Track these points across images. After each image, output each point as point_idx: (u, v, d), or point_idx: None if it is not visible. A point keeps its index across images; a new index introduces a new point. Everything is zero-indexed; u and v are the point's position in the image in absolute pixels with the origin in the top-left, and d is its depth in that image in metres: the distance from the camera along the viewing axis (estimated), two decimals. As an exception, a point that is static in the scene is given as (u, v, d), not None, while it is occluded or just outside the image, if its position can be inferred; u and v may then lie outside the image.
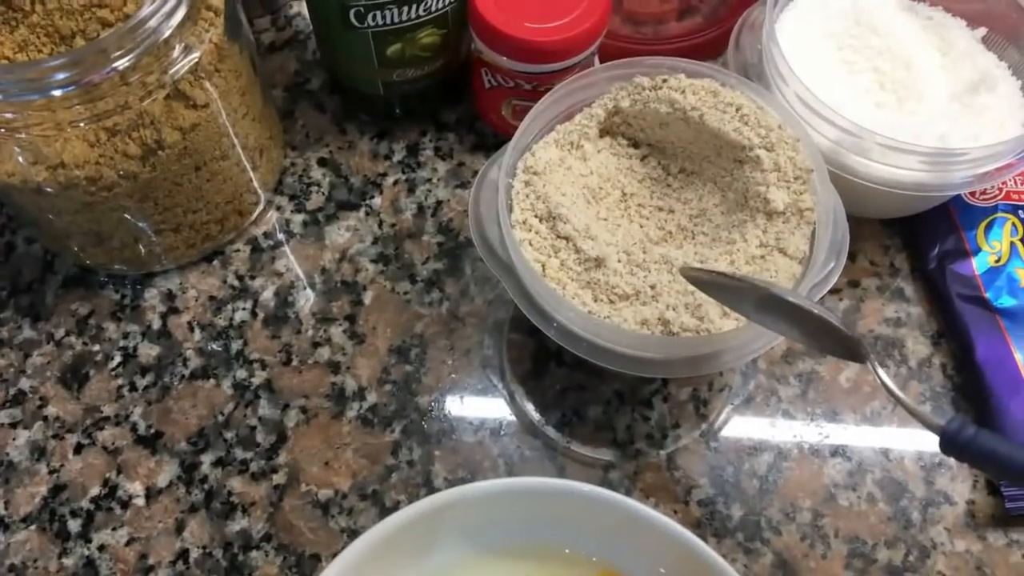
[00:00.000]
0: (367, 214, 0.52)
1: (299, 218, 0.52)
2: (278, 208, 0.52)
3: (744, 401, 0.47)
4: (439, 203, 0.52)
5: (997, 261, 0.48)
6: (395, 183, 0.53)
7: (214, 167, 0.45)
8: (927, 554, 0.44)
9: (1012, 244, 0.49)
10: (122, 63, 0.39)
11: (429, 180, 0.53)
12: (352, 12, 0.45)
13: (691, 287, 0.41)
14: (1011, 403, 0.45)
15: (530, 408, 0.47)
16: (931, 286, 0.50)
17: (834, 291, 0.50)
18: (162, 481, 0.45)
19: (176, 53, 0.41)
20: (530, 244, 0.42)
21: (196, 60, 0.41)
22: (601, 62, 0.52)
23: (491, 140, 0.54)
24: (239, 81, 0.45)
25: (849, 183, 0.46)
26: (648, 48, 0.56)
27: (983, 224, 0.49)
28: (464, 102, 0.55)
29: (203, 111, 0.42)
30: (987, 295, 0.48)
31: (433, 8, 0.46)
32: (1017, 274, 0.48)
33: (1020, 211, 0.50)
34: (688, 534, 0.37)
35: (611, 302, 0.41)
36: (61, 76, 0.38)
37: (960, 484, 0.45)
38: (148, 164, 0.42)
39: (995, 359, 0.46)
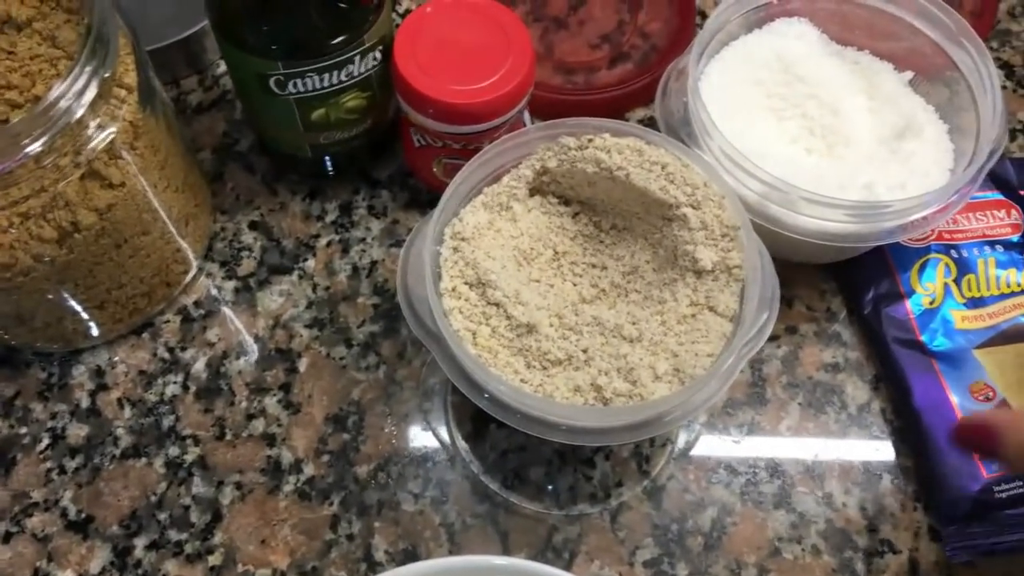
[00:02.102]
0: (300, 277, 0.51)
1: (230, 285, 0.51)
2: (208, 275, 0.51)
3: (686, 455, 0.47)
4: (374, 263, 0.52)
5: (931, 303, 0.49)
6: (328, 244, 0.52)
7: (136, 243, 0.44)
8: (874, 605, 0.44)
9: (946, 285, 0.49)
10: (34, 147, 0.38)
11: (363, 240, 0.52)
12: (272, 80, 0.45)
13: (623, 350, 0.41)
14: (948, 447, 0.45)
15: (472, 472, 0.46)
16: (868, 330, 0.50)
17: (772, 338, 0.50)
18: (94, 568, 0.43)
19: (90, 132, 0.40)
20: (460, 312, 0.41)
21: (111, 139, 0.40)
22: (532, 113, 0.51)
23: (425, 196, 0.54)
24: (157, 155, 0.44)
25: (778, 234, 0.46)
26: (580, 98, 0.56)
27: (916, 265, 0.50)
28: (396, 159, 0.54)
29: (120, 190, 0.41)
30: (922, 338, 0.48)
31: (356, 73, 0.46)
32: (951, 315, 0.48)
33: (952, 251, 0.50)
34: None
35: (543, 368, 0.41)
36: (-29, 165, 0.37)
37: (903, 532, 0.45)
38: (65, 247, 0.41)
39: (931, 403, 0.46)
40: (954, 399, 0.46)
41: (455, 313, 0.41)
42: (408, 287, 0.42)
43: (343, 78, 0.46)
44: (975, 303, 0.49)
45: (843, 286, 0.51)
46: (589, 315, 0.43)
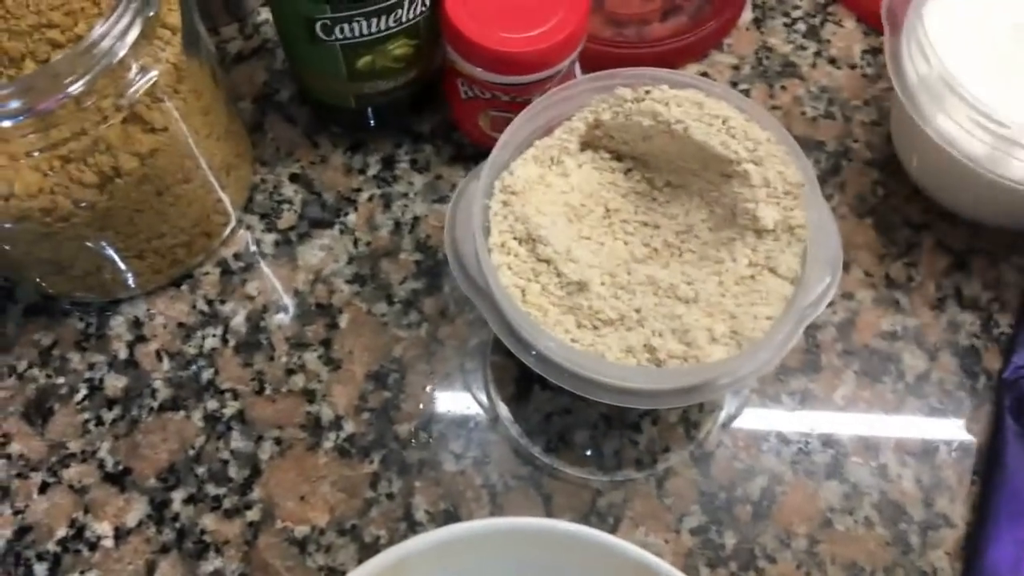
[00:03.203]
0: (341, 232, 0.50)
1: (270, 238, 0.50)
2: (248, 228, 0.50)
3: (736, 422, 0.46)
4: (416, 219, 0.50)
5: None
6: (370, 199, 0.51)
7: (177, 191, 0.43)
8: (924, 580, 0.42)
9: None
10: (76, 87, 0.37)
11: (405, 195, 0.51)
12: (319, 25, 0.43)
13: (678, 311, 0.39)
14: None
15: (514, 434, 0.45)
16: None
17: (828, 303, 0.48)
18: (131, 521, 0.43)
19: (132, 75, 0.39)
20: (509, 268, 0.40)
21: (153, 81, 0.39)
22: (582, 66, 0.50)
23: (469, 151, 0.52)
24: (200, 100, 0.42)
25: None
26: (631, 51, 0.54)
27: None
28: (440, 112, 0.53)
29: (162, 135, 0.40)
30: None
31: (404, 19, 0.44)
32: None
33: None
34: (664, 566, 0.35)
35: (595, 328, 0.39)
36: (13, 105, 0.36)
37: (960, 506, 0.44)
38: (105, 192, 0.40)
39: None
40: None
41: (503, 269, 0.40)
42: (456, 241, 0.41)
43: (391, 24, 0.44)
44: None
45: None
46: (642, 274, 0.41)
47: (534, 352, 0.38)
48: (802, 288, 0.39)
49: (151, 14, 0.39)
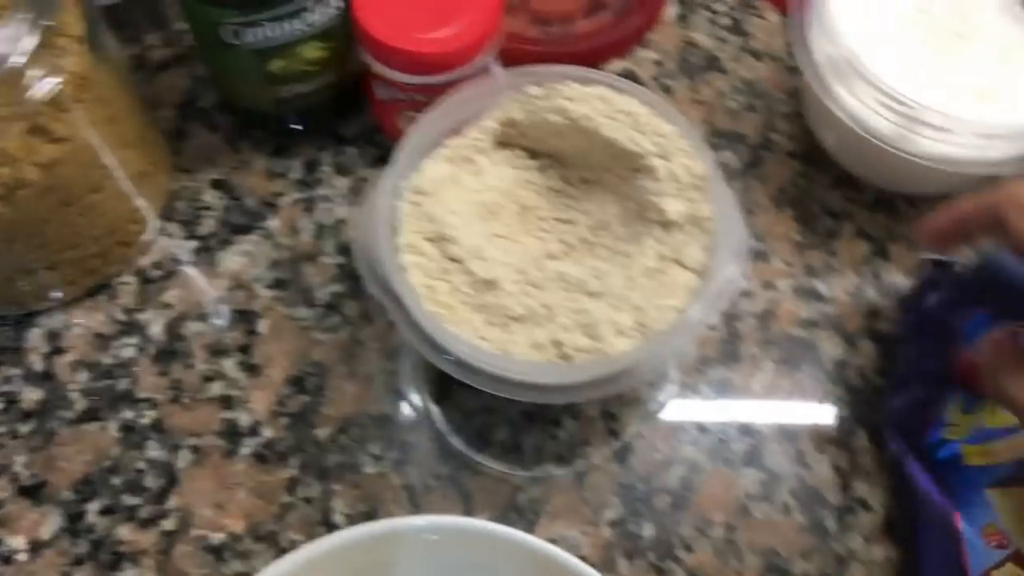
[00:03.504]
0: (263, 237, 0.50)
1: (190, 245, 0.49)
2: (168, 235, 0.49)
3: (655, 414, 0.46)
4: (339, 222, 0.50)
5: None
6: (292, 203, 0.51)
7: (87, 201, 0.43)
8: (844, 564, 0.43)
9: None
10: (-29, 97, 0.37)
11: (328, 198, 0.51)
12: (228, 30, 0.43)
13: (586, 305, 0.39)
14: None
15: (435, 433, 0.45)
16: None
17: (747, 294, 0.48)
18: (46, 533, 0.42)
19: (30, 83, 0.38)
20: (418, 268, 0.40)
21: (55, 91, 0.39)
22: (507, 65, 0.50)
23: (393, 153, 0.52)
24: (107, 109, 0.42)
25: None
26: (556, 49, 0.54)
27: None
28: (364, 115, 0.53)
29: (66, 145, 0.40)
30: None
31: (313, 22, 0.44)
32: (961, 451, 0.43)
33: None
34: (582, 567, 0.35)
35: (504, 325, 0.39)
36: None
37: (878, 490, 0.44)
38: (9, 204, 0.39)
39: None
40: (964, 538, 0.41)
41: (413, 269, 0.40)
42: (364, 242, 0.41)
43: (301, 27, 0.44)
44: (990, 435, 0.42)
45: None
46: (553, 270, 0.41)
47: (448, 356, 0.38)
48: (708, 279, 0.39)
49: (49, 23, 0.39)
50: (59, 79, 0.39)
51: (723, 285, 0.39)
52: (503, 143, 0.45)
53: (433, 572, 0.37)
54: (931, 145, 0.44)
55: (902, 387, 0.45)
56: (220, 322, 0.47)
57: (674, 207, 0.40)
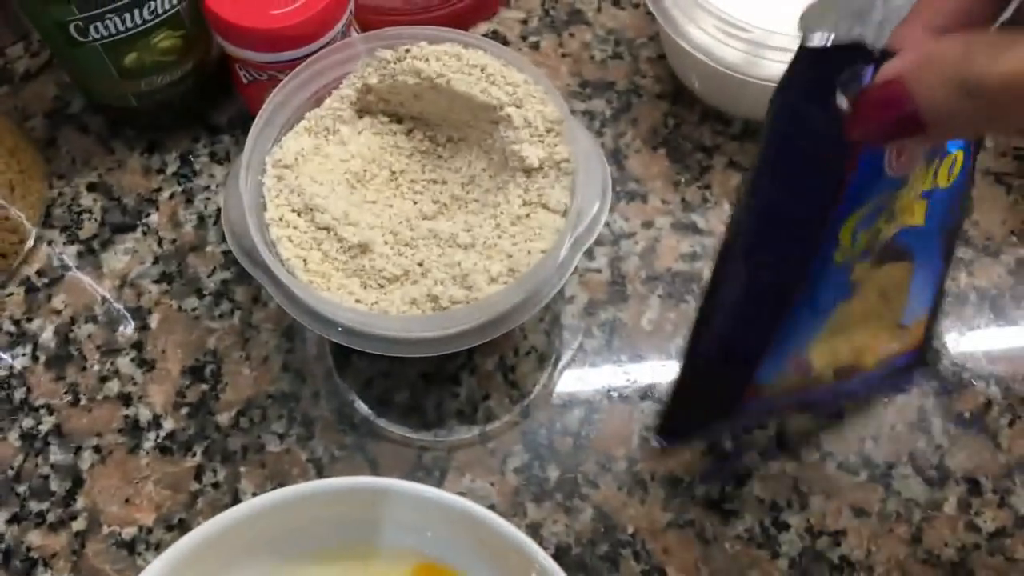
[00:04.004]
0: (144, 233, 0.50)
1: (73, 249, 0.49)
2: (49, 243, 0.49)
3: (552, 361, 0.47)
4: (220, 210, 0.50)
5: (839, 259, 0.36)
6: (171, 196, 0.51)
7: (-48, 213, 0.43)
8: (743, 481, 0.44)
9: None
10: None
11: (207, 188, 0.51)
12: (72, 27, 0.43)
13: (458, 257, 0.40)
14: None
15: (336, 405, 0.46)
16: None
17: (629, 235, 0.50)
18: (-46, 549, 0.42)
19: None
20: (289, 240, 0.40)
21: None
22: (367, 38, 0.50)
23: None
24: (-42, 119, 0.42)
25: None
26: (420, 19, 0.55)
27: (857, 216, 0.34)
28: (234, 101, 0.53)
29: (-83, 158, 0.40)
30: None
31: (159, 10, 0.44)
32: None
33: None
34: (480, 510, 0.36)
35: (380, 287, 0.40)
36: None
37: (769, 406, 0.46)
38: None
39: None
40: None
41: (284, 241, 0.40)
42: (232, 223, 0.41)
43: (147, 16, 0.44)
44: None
45: None
46: (425, 228, 0.42)
47: (339, 328, 0.39)
48: (573, 218, 0.40)
49: None
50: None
51: (587, 222, 0.41)
52: (364, 110, 0.45)
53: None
54: (780, 68, 0.45)
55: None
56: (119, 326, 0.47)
57: (533, 152, 0.41)
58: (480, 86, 0.42)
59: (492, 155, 0.44)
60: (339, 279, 0.40)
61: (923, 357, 0.45)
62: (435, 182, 0.45)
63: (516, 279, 0.39)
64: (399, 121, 0.46)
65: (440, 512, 0.37)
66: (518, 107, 0.42)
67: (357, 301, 0.39)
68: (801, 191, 0.33)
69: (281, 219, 0.41)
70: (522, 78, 0.42)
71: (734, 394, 0.39)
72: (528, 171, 0.41)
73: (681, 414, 0.41)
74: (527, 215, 0.41)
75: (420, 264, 0.40)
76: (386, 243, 0.41)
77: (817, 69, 0.30)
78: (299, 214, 0.41)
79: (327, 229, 0.40)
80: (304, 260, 0.40)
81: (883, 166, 0.32)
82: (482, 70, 0.42)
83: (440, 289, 0.39)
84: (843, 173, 0.31)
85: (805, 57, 0.30)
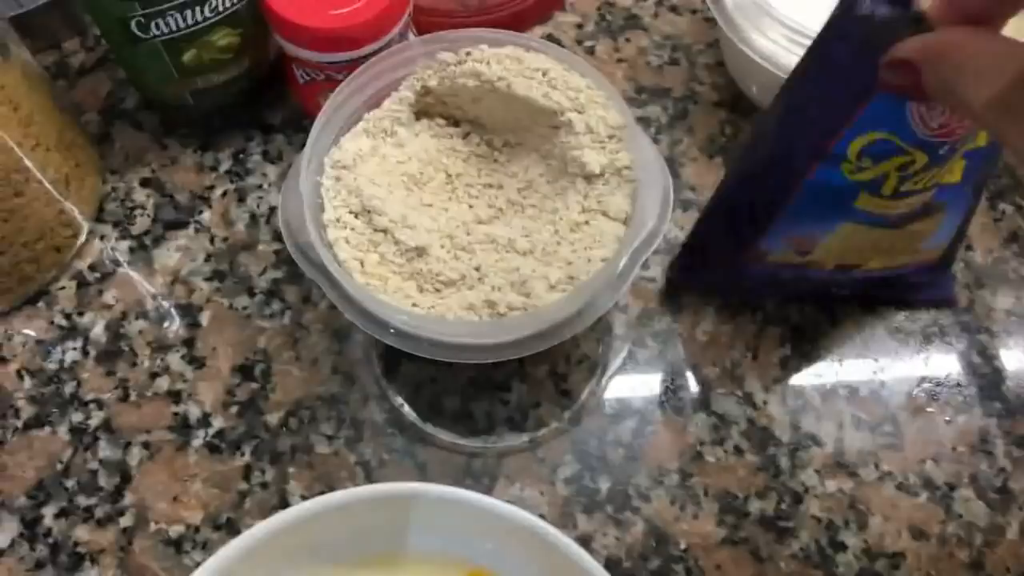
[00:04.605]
0: (197, 231, 0.49)
1: (125, 244, 0.49)
2: (101, 237, 0.49)
3: (603, 369, 0.46)
4: (272, 209, 0.50)
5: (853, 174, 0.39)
6: (224, 194, 0.50)
7: (9, 205, 0.43)
8: (799, 499, 0.43)
9: (884, 175, 0.39)
10: None
11: (260, 186, 0.51)
12: (133, 23, 0.43)
13: (516, 263, 0.40)
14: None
15: (385, 409, 0.45)
16: None
17: (683, 243, 0.49)
18: (3, 541, 0.42)
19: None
20: (346, 242, 0.40)
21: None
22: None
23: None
24: (18, 112, 0.42)
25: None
26: (476, 21, 0.54)
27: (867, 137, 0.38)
28: (289, 101, 0.53)
29: (-23, 149, 0.40)
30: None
31: (220, 8, 0.44)
32: (860, 196, 0.40)
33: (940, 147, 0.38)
34: (535, 521, 0.36)
35: (436, 291, 0.40)
36: None
37: (826, 423, 0.45)
38: (-73, 213, 0.39)
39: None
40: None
41: (341, 243, 0.40)
42: (291, 223, 0.41)
43: (208, 14, 0.44)
44: (903, 195, 0.40)
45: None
46: (482, 233, 0.41)
47: (392, 330, 0.38)
48: (634, 227, 0.40)
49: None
50: (-35, 85, 0.39)
51: (649, 231, 0.40)
52: (423, 113, 0.45)
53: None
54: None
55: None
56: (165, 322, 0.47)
57: (594, 159, 0.40)
58: (541, 90, 0.42)
59: (550, 160, 0.43)
60: (396, 282, 0.40)
61: (947, 265, 0.47)
62: (491, 186, 0.44)
63: (576, 287, 0.38)
64: (456, 124, 0.45)
65: (493, 521, 0.37)
66: (580, 112, 0.41)
67: (414, 305, 0.39)
68: (828, 96, 0.38)
69: (339, 220, 0.40)
70: (584, 83, 0.42)
71: (737, 248, 0.44)
72: (588, 177, 0.41)
73: (695, 256, 0.47)
74: (586, 222, 0.40)
75: (477, 269, 0.40)
76: (443, 247, 0.41)
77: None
78: (357, 215, 0.40)
79: (384, 231, 0.40)
80: (361, 262, 0.40)
81: (904, 106, 0.36)
82: (544, 74, 0.42)
83: (498, 295, 0.39)
84: (869, 94, 0.36)
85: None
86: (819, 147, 0.39)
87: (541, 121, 0.43)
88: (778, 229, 0.42)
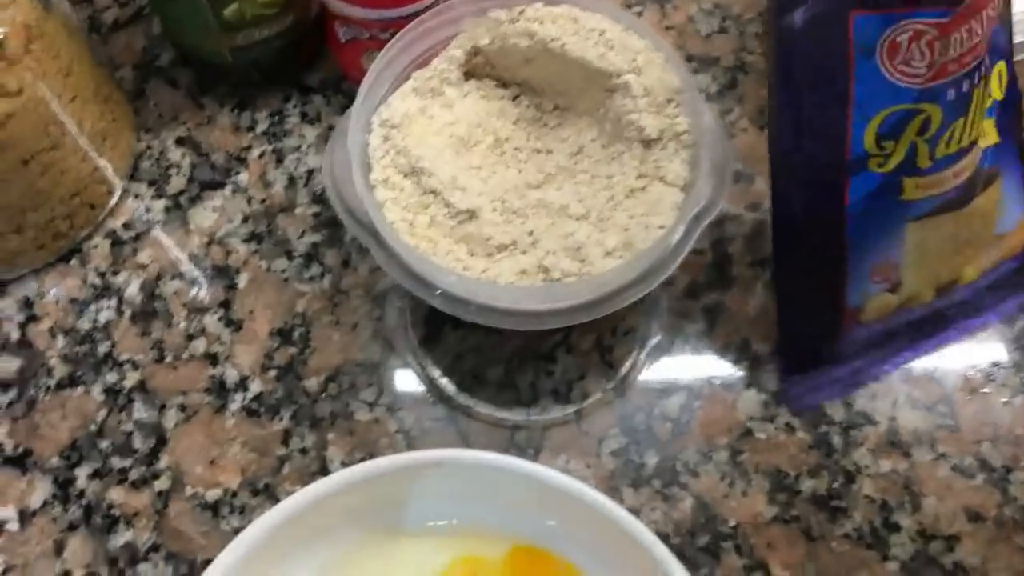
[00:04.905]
0: (234, 191, 0.48)
1: (160, 204, 0.48)
2: (136, 196, 0.48)
3: (650, 342, 0.45)
4: (311, 172, 0.49)
5: (882, 167, 0.38)
6: (261, 155, 0.49)
7: (46, 159, 0.41)
8: (852, 479, 0.42)
9: (912, 144, 0.38)
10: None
11: (298, 148, 0.49)
12: (178, -26, 0.42)
13: (570, 228, 0.38)
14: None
15: (427, 377, 0.44)
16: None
17: (734, 216, 0.48)
18: (35, 502, 0.41)
19: (-25, 36, 0.37)
20: (394, 203, 0.39)
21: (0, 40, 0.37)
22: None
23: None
24: (58, 61, 0.41)
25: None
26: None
27: (880, 117, 0.38)
28: (328, 62, 0.51)
29: (17, 98, 0.38)
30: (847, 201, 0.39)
31: (266, -40, 0.43)
32: (903, 184, 0.39)
33: (945, 92, 0.37)
34: (589, 491, 0.35)
35: (488, 255, 0.38)
36: None
37: (880, 402, 0.43)
38: (-36, 164, 0.38)
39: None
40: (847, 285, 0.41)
41: (389, 204, 0.39)
42: (337, 183, 0.39)
43: (253, -34, 0.42)
44: (944, 163, 0.39)
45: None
46: (534, 198, 0.40)
47: (439, 291, 0.37)
48: (692, 194, 0.38)
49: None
50: (3, 28, 0.38)
51: (708, 199, 0.39)
52: (471, 73, 0.43)
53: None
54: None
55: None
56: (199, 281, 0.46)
57: (652, 123, 0.39)
58: (597, 51, 0.40)
59: (604, 124, 0.42)
60: (446, 245, 0.38)
61: None
62: (539, 151, 0.43)
63: (633, 254, 0.37)
64: (504, 87, 0.44)
65: (543, 491, 0.36)
66: (637, 74, 0.40)
67: (464, 268, 0.38)
68: (817, 101, 0.37)
69: (387, 180, 0.39)
70: (643, 44, 0.40)
71: (831, 313, 0.41)
72: (646, 142, 0.39)
73: (792, 359, 0.43)
74: (643, 188, 0.39)
75: (530, 233, 0.39)
76: (494, 210, 0.39)
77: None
78: (405, 176, 0.39)
79: (434, 193, 0.39)
80: (411, 224, 0.38)
81: (883, 74, 0.36)
82: (600, 34, 0.40)
83: (552, 260, 0.37)
84: (847, 81, 0.36)
85: None
86: (837, 162, 0.38)
87: (595, 84, 0.41)
88: (855, 268, 0.40)
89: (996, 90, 0.40)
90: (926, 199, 0.39)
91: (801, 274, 0.42)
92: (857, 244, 0.40)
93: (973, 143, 0.39)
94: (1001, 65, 0.41)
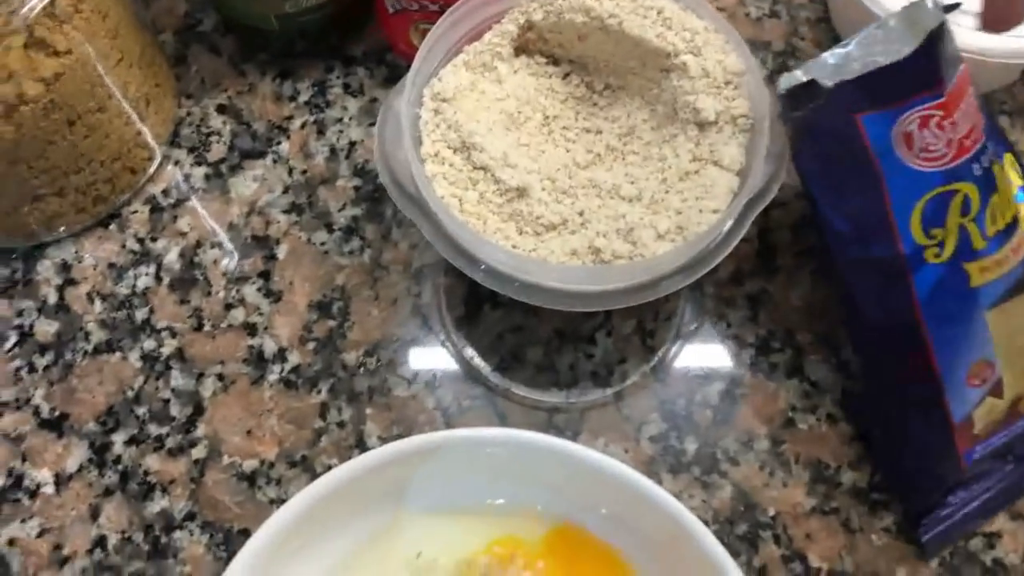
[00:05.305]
0: (275, 161, 0.48)
1: (200, 171, 0.47)
2: (176, 162, 0.48)
3: (692, 328, 0.44)
4: (352, 144, 0.48)
5: (938, 257, 0.37)
6: (303, 126, 0.49)
7: (91, 121, 0.41)
8: (891, 471, 0.42)
9: (961, 227, 0.36)
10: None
11: (340, 120, 0.49)
12: (229, -63, 0.41)
13: (622, 210, 0.38)
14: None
15: (466, 355, 0.44)
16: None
17: (781, 204, 0.47)
18: (72, 466, 0.41)
19: (27, -4, 0.36)
20: (444, 178, 0.38)
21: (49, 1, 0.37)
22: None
23: (404, 72, 0.49)
24: (106, 22, 0.40)
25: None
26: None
27: (919, 206, 0.36)
28: (371, 34, 0.51)
29: (67, 58, 0.38)
30: (923, 317, 0.37)
31: (319, -75, 0.42)
32: (967, 270, 0.37)
33: (971, 167, 0.36)
34: (632, 473, 0.34)
35: (537, 234, 0.38)
36: None
37: (922, 396, 0.43)
38: (12, 122, 0.38)
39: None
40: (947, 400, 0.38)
41: (439, 179, 0.38)
42: (387, 156, 0.39)
43: (306, -69, 0.42)
44: (999, 241, 0.37)
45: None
46: (584, 177, 0.40)
47: (482, 266, 0.37)
48: (748, 179, 0.38)
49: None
50: (55, -10, 0.37)
51: (763, 185, 0.38)
52: (522, 49, 0.43)
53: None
54: (969, 35, 0.42)
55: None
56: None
57: (709, 105, 0.38)
58: (655, 30, 0.40)
59: (656, 106, 0.41)
60: (495, 222, 0.38)
61: None
62: (588, 131, 0.42)
63: (686, 238, 0.37)
64: (555, 64, 0.43)
65: (586, 472, 0.35)
66: (695, 55, 0.39)
67: (513, 247, 0.37)
68: (858, 205, 0.37)
69: (437, 155, 0.38)
70: (702, 24, 0.39)
71: (940, 434, 0.38)
72: (701, 124, 0.39)
73: (917, 500, 0.40)
74: (697, 171, 0.39)
75: (580, 214, 0.38)
76: (544, 189, 0.39)
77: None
78: (455, 151, 0.39)
79: (484, 169, 0.38)
80: (460, 200, 0.38)
81: (908, 165, 0.36)
82: (658, 13, 0.40)
83: (603, 241, 0.37)
84: (878, 180, 0.36)
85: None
86: (895, 259, 0.36)
87: (650, 63, 0.41)
88: (948, 375, 0.37)
89: (1015, 177, 0.39)
90: (995, 282, 0.37)
91: (890, 392, 0.40)
92: (941, 346, 0.37)
93: (1015, 218, 0.38)
94: (1009, 156, 0.40)
